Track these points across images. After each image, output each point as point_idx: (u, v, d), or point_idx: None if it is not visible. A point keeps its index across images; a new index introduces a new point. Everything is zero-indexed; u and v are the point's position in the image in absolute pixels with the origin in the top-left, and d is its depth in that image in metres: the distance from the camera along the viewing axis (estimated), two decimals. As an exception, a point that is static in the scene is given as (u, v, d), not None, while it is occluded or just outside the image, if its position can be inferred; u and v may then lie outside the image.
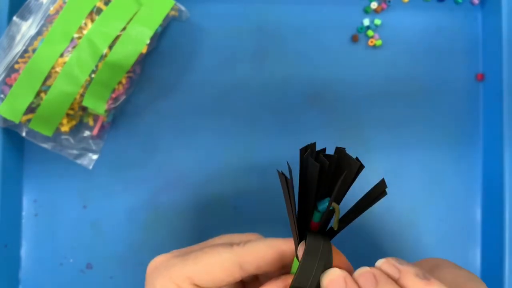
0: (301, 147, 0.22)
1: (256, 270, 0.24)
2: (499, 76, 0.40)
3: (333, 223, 0.22)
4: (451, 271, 0.26)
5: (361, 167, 0.21)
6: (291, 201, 0.21)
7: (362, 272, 0.21)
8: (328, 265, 0.22)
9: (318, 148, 0.22)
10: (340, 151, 0.21)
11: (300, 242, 0.22)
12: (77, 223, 0.40)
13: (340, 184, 0.20)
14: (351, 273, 0.22)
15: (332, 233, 0.23)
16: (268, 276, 0.26)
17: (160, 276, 0.24)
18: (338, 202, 0.22)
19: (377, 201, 0.22)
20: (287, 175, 0.21)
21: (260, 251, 0.24)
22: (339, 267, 0.22)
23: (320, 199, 0.22)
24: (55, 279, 0.40)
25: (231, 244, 0.24)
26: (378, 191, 0.21)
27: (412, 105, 0.42)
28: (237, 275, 0.24)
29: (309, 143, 0.22)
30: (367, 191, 0.22)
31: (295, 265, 0.23)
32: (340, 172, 0.21)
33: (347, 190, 0.22)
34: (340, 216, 0.22)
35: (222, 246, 0.24)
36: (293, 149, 0.42)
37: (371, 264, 0.22)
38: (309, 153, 0.21)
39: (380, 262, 0.22)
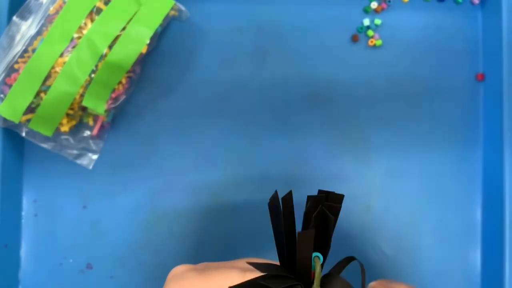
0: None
1: None
2: (499, 76, 0.40)
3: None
4: None
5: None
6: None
7: None
8: None
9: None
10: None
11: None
12: (77, 223, 0.40)
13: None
14: None
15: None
16: None
17: (175, 285, 0.26)
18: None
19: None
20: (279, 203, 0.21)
21: None
22: None
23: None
24: (55, 279, 0.40)
25: (245, 270, 0.25)
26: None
27: (412, 105, 0.42)
28: None
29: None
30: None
31: None
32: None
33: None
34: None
35: (237, 270, 0.25)
36: (293, 148, 0.42)
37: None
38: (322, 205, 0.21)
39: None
